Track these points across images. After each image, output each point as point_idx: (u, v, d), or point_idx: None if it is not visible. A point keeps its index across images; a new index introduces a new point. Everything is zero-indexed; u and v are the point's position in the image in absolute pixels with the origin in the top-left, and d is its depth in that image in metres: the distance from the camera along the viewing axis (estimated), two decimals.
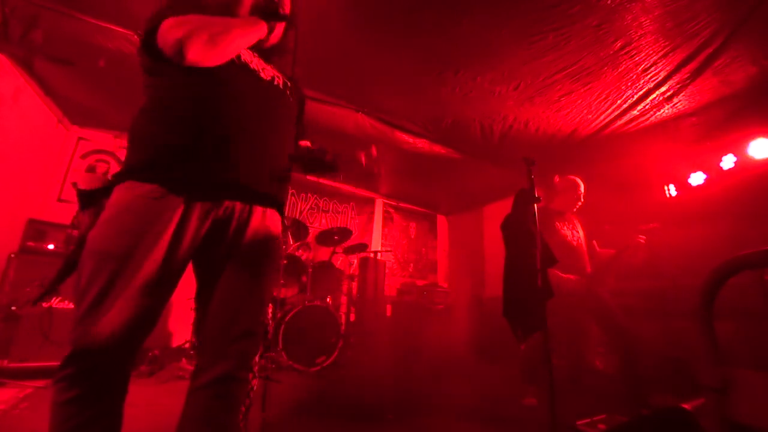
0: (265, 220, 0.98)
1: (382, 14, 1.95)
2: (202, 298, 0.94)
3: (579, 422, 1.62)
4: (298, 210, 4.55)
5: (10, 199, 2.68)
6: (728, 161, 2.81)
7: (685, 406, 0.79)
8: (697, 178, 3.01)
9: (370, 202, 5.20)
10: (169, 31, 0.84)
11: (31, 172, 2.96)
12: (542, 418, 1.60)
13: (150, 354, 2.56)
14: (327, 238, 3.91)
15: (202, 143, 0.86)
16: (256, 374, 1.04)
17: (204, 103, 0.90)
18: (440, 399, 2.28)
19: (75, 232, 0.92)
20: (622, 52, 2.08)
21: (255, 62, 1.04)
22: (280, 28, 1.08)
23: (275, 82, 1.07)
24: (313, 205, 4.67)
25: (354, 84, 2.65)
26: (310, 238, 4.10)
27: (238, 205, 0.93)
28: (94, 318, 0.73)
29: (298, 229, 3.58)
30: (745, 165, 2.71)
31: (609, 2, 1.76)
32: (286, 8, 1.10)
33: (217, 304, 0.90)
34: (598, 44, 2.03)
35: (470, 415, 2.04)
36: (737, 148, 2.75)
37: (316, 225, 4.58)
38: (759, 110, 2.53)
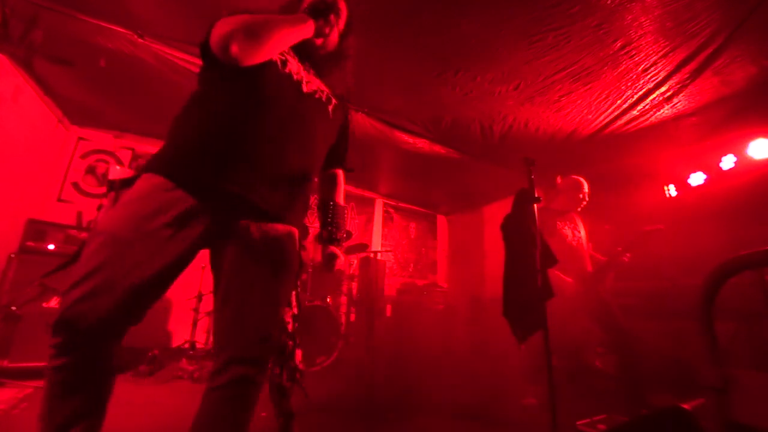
0: (277, 231, 0.95)
1: (382, 14, 1.95)
2: (217, 301, 0.94)
3: (579, 422, 1.62)
4: None
5: (10, 199, 2.68)
6: (728, 161, 2.80)
7: (685, 406, 0.79)
8: (697, 178, 3.00)
9: (370, 202, 5.20)
10: (218, 30, 0.88)
11: (31, 172, 2.96)
12: (542, 418, 1.60)
13: (150, 354, 2.56)
14: None
15: (223, 151, 0.87)
16: (297, 379, 1.06)
17: (236, 110, 0.91)
18: (440, 399, 2.28)
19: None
20: (622, 52, 2.08)
21: (301, 74, 1.04)
22: (333, 33, 1.06)
23: (316, 96, 1.06)
24: (313, 205, 4.66)
25: (354, 84, 2.64)
26: (310, 238, 4.09)
27: (246, 219, 0.91)
28: (84, 291, 0.73)
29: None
30: (745, 165, 2.71)
31: (609, 2, 1.76)
32: (338, 4, 1.10)
33: (232, 308, 0.90)
34: (598, 44, 2.03)
35: (470, 415, 2.04)
36: (737, 148, 2.75)
37: (317, 225, 4.56)
38: (759, 110, 2.53)
